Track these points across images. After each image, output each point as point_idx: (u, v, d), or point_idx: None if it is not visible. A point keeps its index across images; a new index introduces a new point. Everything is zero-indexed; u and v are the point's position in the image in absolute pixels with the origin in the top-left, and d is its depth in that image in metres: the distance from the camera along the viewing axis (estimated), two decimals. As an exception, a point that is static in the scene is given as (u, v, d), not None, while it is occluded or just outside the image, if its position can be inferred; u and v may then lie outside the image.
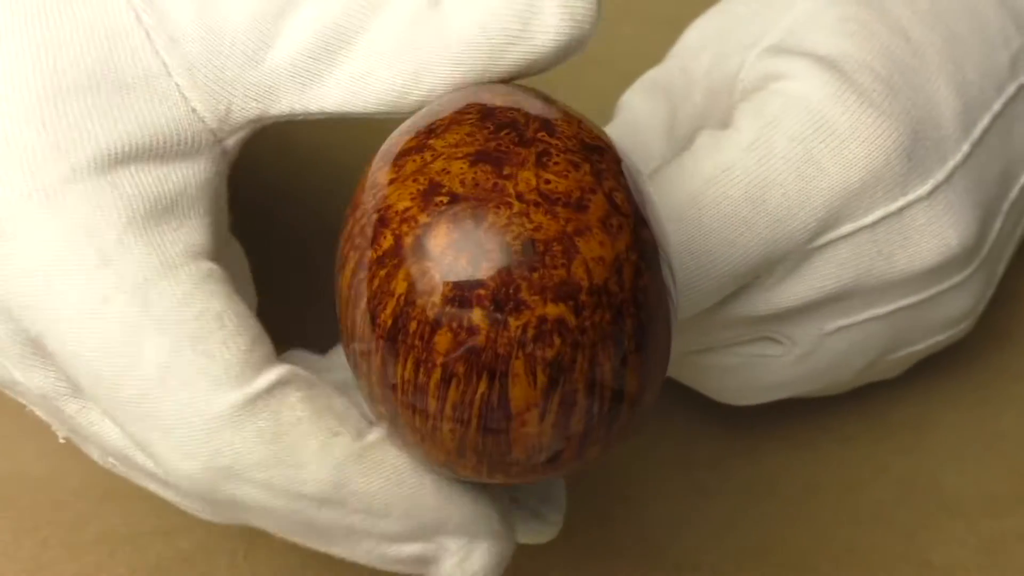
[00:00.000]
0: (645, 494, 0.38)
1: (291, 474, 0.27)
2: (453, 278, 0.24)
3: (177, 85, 0.28)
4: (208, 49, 0.28)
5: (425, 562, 0.29)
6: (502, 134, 0.26)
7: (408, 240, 0.25)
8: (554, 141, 0.26)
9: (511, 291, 0.24)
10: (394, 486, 0.28)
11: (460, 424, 0.25)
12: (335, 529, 0.28)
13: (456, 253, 0.24)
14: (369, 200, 0.26)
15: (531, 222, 0.24)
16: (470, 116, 0.26)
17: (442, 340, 0.24)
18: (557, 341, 0.24)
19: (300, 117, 0.29)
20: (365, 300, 0.25)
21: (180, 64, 0.28)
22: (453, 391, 0.25)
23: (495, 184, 0.25)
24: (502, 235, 0.24)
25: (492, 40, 0.27)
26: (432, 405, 0.25)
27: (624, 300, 0.25)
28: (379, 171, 0.26)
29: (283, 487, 0.27)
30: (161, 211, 0.27)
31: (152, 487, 0.30)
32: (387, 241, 0.25)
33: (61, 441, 0.31)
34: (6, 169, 0.27)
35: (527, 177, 0.25)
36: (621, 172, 0.26)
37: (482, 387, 0.25)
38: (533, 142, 0.25)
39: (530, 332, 0.24)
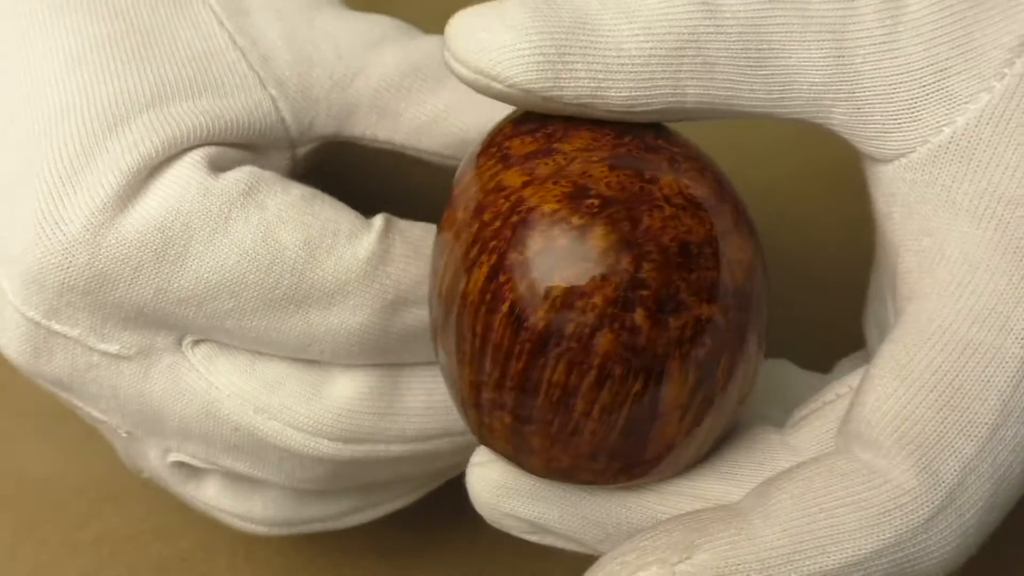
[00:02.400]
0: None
1: None
2: (616, 280, 0.24)
3: (272, 96, 0.30)
4: (298, 70, 0.31)
5: None
6: (626, 140, 0.26)
7: (562, 242, 0.24)
8: (675, 149, 0.26)
9: (671, 292, 0.24)
10: None
11: (605, 426, 0.25)
12: None
13: (617, 255, 0.24)
14: (499, 202, 0.25)
15: (683, 224, 0.24)
16: (583, 121, 0.26)
17: (603, 342, 0.24)
18: (708, 341, 0.25)
19: (368, 142, 0.32)
20: (508, 304, 0.25)
21: (272, 78, 0.30)
22: (606, 393, 0.25)
23: (641, 188, 0.25)
24: (659, 237, 0.24)
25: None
26: (579, 407, 0.25)
27: (759, 302, 0.26)
28: (501, 173, 0.25)
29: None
30: None
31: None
32: (537, 243, 0.24)
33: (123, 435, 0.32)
34: (118, 162, 0.28)
35: (669, 182, 0.25)
36: (728, 180, 0.27)
37: (636, 387, 0.25)
38: (658, 148, 0.26)
39: (688, 332, 0.24)
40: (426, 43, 0.31)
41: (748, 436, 0.28)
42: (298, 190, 0.29)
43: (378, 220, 0.29)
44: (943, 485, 0.24)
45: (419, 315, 0.30)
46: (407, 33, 0.32)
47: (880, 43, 0.26)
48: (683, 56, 0.25)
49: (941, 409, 0.25)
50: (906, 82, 0.26)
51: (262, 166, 0.30)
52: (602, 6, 0.26)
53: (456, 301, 0.26)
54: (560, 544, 0.28)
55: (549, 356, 0.24)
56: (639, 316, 0.24)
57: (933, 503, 0.24)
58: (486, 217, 0.25)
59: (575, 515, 0.27)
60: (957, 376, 0.25)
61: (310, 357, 0.30)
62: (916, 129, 0.26)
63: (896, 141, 0.26)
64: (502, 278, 0.25)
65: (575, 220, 0.24)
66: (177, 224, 0.28)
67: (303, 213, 0.29)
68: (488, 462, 0.28)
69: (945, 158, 0.26)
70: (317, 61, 0.31)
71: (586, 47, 0.25)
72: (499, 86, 0.25)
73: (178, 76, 0.30)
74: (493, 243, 0.25)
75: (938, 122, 0.26)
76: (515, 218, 0.25)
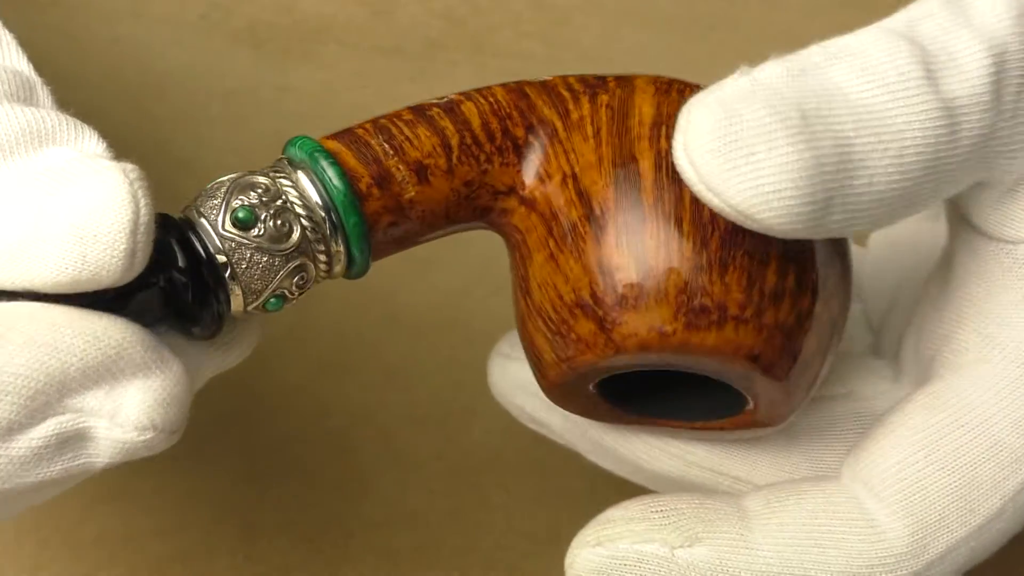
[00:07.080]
0: (644, 492, 0.38)
1: None
2: None
3: None
4: None
5: (68, 445, 0.23)
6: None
7: None
8: None
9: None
10: None
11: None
12: None
13: None
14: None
15: None
16: None
17: None
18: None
19: None
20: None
21: None
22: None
23: None
24: None
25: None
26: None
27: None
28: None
29: None
30: None
31: None
32: None
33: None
34: None
35: None
36: None
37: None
38: None
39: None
40: None
41: None
42: None
43: None
44: (927, 556, 0.26)
45: None
46: None
47: None
48: (924, 183, 0.25)
49: (951, 494, 0.27)
50: None
51: None
52: (855, 132, 0.24)
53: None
54: (554, 438, 0.32)
55: None
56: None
57: (914, 569, 0.26)
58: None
59: (574, 430, 0.31)
60: (977, 470, 0.27)
61: None
62: None
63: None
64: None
65: None
66: None
67: None
68: (515, 358, 0.31)
69: None
70: None
71: (846, 190, 0.24)
72: (755, 225, 0.24)
73: None
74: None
75: None
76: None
